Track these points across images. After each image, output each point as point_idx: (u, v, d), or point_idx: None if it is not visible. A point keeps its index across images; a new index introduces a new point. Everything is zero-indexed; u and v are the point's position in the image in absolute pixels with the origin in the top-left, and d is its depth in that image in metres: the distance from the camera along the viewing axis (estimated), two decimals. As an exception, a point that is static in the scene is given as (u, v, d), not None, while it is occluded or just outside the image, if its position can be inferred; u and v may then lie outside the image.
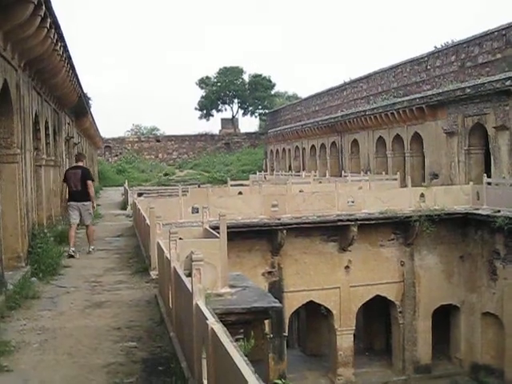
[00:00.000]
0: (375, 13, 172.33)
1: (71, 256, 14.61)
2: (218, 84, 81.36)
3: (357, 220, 23.40)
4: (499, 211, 22.37)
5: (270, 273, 23.68)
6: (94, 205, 16.83)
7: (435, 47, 34.66)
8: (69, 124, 26.61)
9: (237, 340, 7.77)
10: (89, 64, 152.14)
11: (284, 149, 61.10)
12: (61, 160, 22.40)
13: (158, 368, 6.65)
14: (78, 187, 15.61)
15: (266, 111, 79.45)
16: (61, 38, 14.19)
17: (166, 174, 64.24)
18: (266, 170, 61.12)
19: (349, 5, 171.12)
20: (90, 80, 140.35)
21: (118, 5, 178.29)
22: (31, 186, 14.11)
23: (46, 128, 18.17)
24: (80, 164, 16.79)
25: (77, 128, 31.74)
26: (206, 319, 4.63)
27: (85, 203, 15.67)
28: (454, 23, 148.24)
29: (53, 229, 16.97)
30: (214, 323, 4.45)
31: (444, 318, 25.27)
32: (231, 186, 31.10)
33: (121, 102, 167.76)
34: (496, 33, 27.89)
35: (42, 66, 14.99)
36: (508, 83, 25.12)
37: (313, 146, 52.17)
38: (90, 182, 15.90)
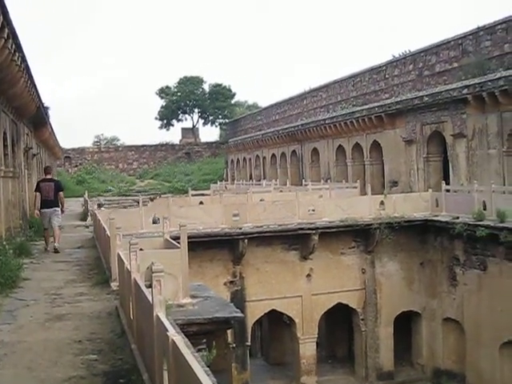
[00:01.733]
0: (338, 23, 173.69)
1: (56, 251, 17.27)
2: (178, 94, 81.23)
3: (317, 228, 23.49)
4: (458, 218, 22.62)
5: (231, 282, 23.64)
6: (64, 210, 19.51)
7: (393, 56, 35.00)
8: (27, 135, 26.35)
9: (199, 350, 7.76)
10: (49, 72, 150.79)
11: (245, 158, 61.23)
12: (19, 171, 22.16)
13: (119, 381, 6.59)
14: (51, 197, 18.24)
15: (227, 120, 79.63)
16: (19, 48, 14.08)
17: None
18: (226, 180, 61.11)
19: (309, 15, 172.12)
20: (50, 88, 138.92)
21: (79, 13, 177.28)
22: (-11, 198, 13.95)
23: (4, 139, 17.99)
24: (49, 176, 19.55)
25: (36, 139, 31.44)
26: (167, 331, 4.61)
27: (56, 209, 18.30)
28: (412, 31, 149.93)
29: (12, 241, 16.77)
30: (174, 335, 4.43)
31: (406, 324, 25.44)
32: (192, 195, 30.99)
33: (81, 111, 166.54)
34: (452, 42, 28.29)
35: (0, 77, 14.85)
36: (465, 92, 25.50)
37: (273, 155, 52.38)
38: (61, 193, 18.64)
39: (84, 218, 29.57)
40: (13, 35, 12.73)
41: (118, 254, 9.82)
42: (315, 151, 43.05)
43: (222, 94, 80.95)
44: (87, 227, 24.48)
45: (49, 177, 19.44)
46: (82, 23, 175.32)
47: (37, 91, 21.28)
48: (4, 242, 14.92)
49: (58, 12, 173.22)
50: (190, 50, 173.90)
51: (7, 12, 11.33)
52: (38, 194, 18.45)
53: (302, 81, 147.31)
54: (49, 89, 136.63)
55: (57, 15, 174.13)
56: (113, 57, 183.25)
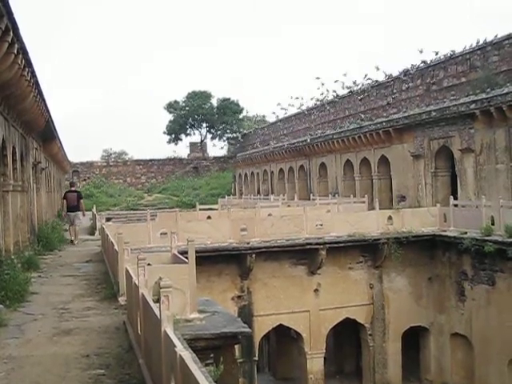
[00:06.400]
0: (347, 35, 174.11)
1: (72, 242, 24.68)
2: (187, 108, 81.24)
3: (325, 243, 23.48)
4: (466, 233, 22.60)
5: (239, 297, 23.63)
6: (85, 213, 26.69)
7: (399, 72, 35.02)
8: (36, 149, 26.45)
9: (206, 365, 7.75)
10: (59, 84, 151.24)
11: (252, 172, 61.23)
12: (28, 185, 22.21)
13: (127, 395, 6.60)
14: (75, 203, 25.08)
15: (235, 135, 79.53)
16: (28, 63, 14.15)
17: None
18: (234, 194, 61.13)
19: (319, 30, 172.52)
20: (59, 102, 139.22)
21: (86, 25, 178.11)
22: (-2, 212, 13.98)
23: (14, 153, 18.02)
24: (73, 189, 26.64)
25: (44, 153, 31.53)
26: (175, 346, 4.62)
27: (77, 213, 25.08)
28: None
29: (20, 255, 16.78)
30: (182, 350, 4.44)
31: (414, 339, 25.35)
32: (200, 210, 31.04)
33: (90, 125, 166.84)
34: (460, 57, 28.33)
35: (10, 92, 14.91)
36: (472, 106, 25.51)
37: (281, 170, 52.41)
38: (81, 201, 25.43)
39: (92, 233, 29.65)
40: (23, 51, 12.80)
41: (126, 269, 9.84)
42: (323, 166, 43.08)
43: (229, 108, 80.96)
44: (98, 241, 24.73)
45: (73, 189, 26.54)
46: (86, 37, 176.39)
47: (46, 106, 21.35)
48: (12, 256, 14.95)
49: (67, 24, 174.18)
50: (198, 65, 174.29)
51: (17, 28, 11.40)
52: (64, 201, 25.69)
53: (311, 95, 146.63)
54: (58, 101, 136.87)
55: (65, 27, 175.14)
56: (121, 71, 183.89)
